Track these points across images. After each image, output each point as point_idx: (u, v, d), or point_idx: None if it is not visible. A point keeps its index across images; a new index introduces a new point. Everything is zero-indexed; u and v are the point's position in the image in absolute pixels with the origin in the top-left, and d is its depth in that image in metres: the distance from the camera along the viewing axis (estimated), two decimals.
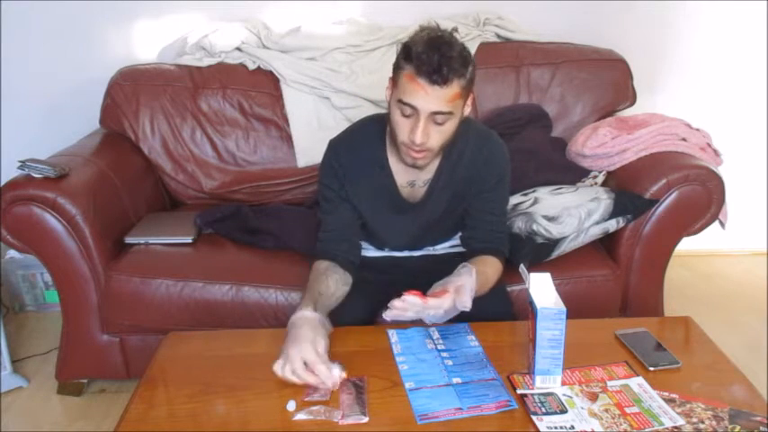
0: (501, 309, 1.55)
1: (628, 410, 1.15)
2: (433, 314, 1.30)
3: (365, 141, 1.53)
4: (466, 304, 1.29)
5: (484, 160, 1.52)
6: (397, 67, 1.35)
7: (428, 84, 1.29)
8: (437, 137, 1.36)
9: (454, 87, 1.31)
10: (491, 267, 1.51)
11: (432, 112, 1.32)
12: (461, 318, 1.47)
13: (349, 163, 1.52)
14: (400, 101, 1.33)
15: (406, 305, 1.26)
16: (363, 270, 1.58)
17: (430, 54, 1.28)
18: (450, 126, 1.37)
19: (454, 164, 1.52)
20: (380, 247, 1.70)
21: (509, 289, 1.65)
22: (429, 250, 1.71)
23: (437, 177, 1.52)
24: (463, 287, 1.30)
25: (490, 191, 1.55)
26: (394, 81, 1.37)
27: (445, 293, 1.29)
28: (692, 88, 2.67)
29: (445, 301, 1.28)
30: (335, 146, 1.56)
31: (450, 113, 1.33)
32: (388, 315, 1.27)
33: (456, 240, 1.70)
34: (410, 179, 1.53)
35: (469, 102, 1.40)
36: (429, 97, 1.30)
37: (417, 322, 1.72)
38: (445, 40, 1.31)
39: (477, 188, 1.54)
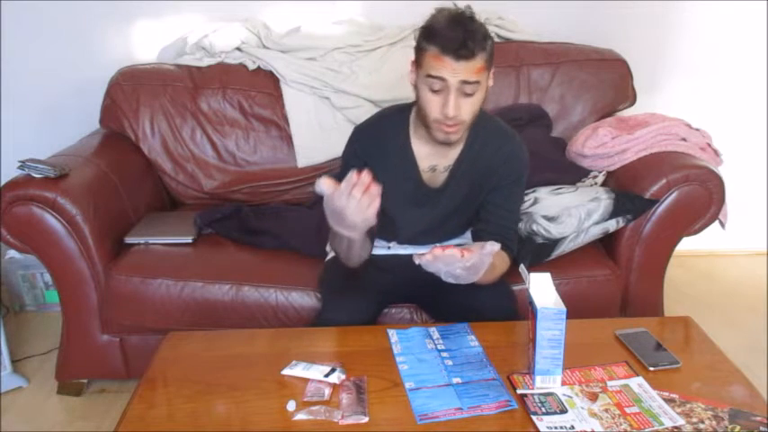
0: (505, 303, 1.56)
1: (628, 410, 1.15)
2: (459, 266, 1.28)
3: (389, 127, 1.57)
4: (486, 261, 1.30)
5: (505, 158, 1.56)
6: (419, 49, 1.40)
7: (454, 60, 1.34)
8: (467, 108, 1.41)
9: (478, 61, 1.36)
10: (497, 258, 1.51)
11: (461, 81, 1.36)
12: (462, 316, 1.47)
13: (373, 148, 1.55)
14: (429, 75, 1.38)
15: (446, 254, 1.24)
16: (365, 269, 1.58)
17: (454, 31, 1.34)
18: (479, 96, 1.42)
19: (476, 155, 1.55)
20: (388, 239, 1.71)
21: None
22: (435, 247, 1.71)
23: (458, 165, 1.55)
24: (492, 244, 1.30)
25: (507, 187, 1.58)
26: (418, 63, 1.41)
27: (473, 250, 1.28)
28: (692, 88, 2.67)
29: (474, 255, 1.27)
30: (360, 132, 1.60)
31: (477, 83, 1.38)
32: (422, 258, 1.27)
33: (462, 239, 1.71)
34: (432, 164, 1.55)
35: (491, 74, 1.45)
36: (456, 72, 1.36)
37: (418, 322, 1.74)
38: (466, 16, 1.37)
39: (494, 183, 1.57)
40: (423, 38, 1.39)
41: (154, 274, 1.83)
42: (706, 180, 1.83)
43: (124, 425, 1.15)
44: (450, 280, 1.34)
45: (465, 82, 1.37)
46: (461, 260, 1.26)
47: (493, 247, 1.29)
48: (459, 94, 1.38)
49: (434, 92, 1.39)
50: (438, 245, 1.28)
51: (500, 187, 1.58)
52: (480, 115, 1.49)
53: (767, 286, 2.59)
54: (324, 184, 1.23)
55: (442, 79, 1.36)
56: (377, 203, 1.25)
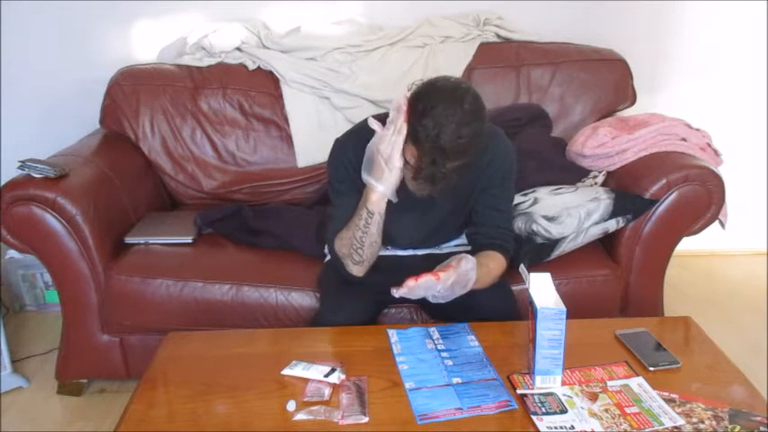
0: (504, 304, 1.56)
1: (628, 410, 1.16)
2: (440, 289, 1.32)
3: (371, 138, 1.54)
4: (470, 275, 1.35)
5: (490, 158, 1.54)
6: (411, 128, 1.36)
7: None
8: None
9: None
10: (493, 261, 1.53)
11: None
12: (462, 316, 1.47)
13: (357, 159, 1.53)
14: (409, 162, 1.40)
15: (420, 284, 1.29)
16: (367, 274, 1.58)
17: (430, 167, 1.33)
18: None
19: None
20: (385, 245, 1.70)
21: None
22: (434, 249, 1.71)
23: None
24: (466, 260, 1.35)
25: (495, 187, 1.57)
26: (409, 136, 1.38)
27: (450, 267, 1.33)
28: (692, 88, 2.67)
29: (451, 273, 1.31)
30: (344, 144, 1.57)
31: None
32: (398, 292, 1.30)
33: (460, 239, 1.70)
34: None
35: None
36: None
37: (418, 322, 1.74)
38: (454, 149, 1.31)
39: (482, 185, 1.56)
40: (413, 129, 1.34)
41: (154, 274, 1.83)
42: (706, 180, 1.83)
43: (124, 425, 1.15)
44: (440, 300, 1.36)
45: None
46: (439, 282, 1.30)
47: (467, 264, 1.34)
48: None
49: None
50: (412, 277, 1.30)
51: (488, 188, 1.57)
52: None
53: (767, 286, 2.59)
54: (374, 123, 1.40)
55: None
56: (404, 130, 1.36)
